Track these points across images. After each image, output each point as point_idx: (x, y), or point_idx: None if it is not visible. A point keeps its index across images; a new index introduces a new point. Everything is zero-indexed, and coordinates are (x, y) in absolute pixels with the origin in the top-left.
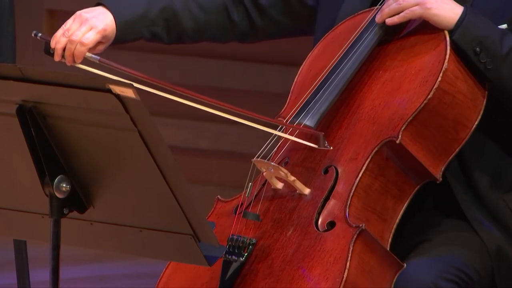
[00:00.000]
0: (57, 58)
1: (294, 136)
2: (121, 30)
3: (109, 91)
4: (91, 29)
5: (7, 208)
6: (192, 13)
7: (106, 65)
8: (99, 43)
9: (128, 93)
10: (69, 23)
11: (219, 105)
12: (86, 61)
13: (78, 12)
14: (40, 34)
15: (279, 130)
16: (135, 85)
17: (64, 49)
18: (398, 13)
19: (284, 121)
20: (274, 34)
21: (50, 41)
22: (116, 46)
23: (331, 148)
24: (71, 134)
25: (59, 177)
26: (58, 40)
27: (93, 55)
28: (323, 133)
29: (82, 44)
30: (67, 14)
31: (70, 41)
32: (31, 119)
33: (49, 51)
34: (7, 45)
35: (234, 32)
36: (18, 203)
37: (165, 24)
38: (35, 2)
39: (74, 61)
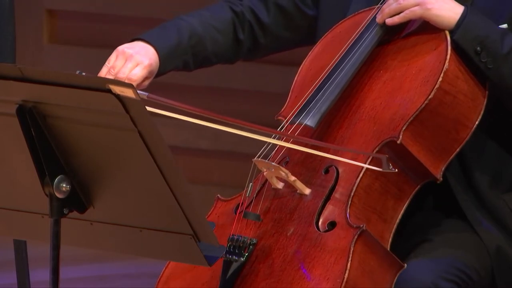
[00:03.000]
0: None
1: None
2: (163, 63)
3: (109, 91)
4: (137, 65)
5: (7, 208)
6: (212, 37)
7: (156, 100)
8: (144, 78)
9: (128, 93)
10: (112, 60)
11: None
12: None
13: (120, 48)
14: (84, 74)
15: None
16: (189, 119)
17: None
18: (399, 13)
19: (285, 120)
20: (275, 49)
21: None
22: (113, 46)
23: (396, 170)
24: (71, 134)
25: (59, 177)
26: None
27: (141, 92)
28: (387, 156)
29: (129, 80)
30: (67, 14)
31: (117, 79)
32: (31, 119)
33: None
34: (7, 45)
35: (240, 51)
36: (18, 203)
37: (192, 51)
38: (35, 2)
39: None
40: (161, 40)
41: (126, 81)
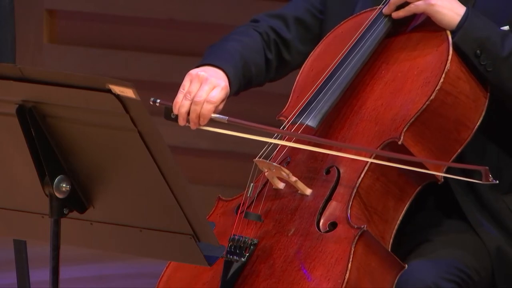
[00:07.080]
0: (182, 122)
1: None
2: (231, 85)
3: (109, 91)
4: (213, 87)
5: (7, 208)
6: (253, 59)
7: (237, 124)
8: (221, 101)
9: (128, 93)
10: (187, 85)
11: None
12: (211, 123)
13: (193, 72)
14: (159, 101)
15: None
16: (275, 141)
17: (188, 113)
18: (404, 7)
19: (286, 120)
20: (298, 65)
21: (170, 107)
22: (113, 46)
23: (497, 182)
24: (71, 134)
25: (59, 177)
26: (182, 104)
27: (220, 115)
28: (487, 167)
29: (209, 102)
30: (67, 14)
31: (195, 103)
32: (31, 119)
33: (170, 116)
34: (7, 45)
35: (270, 71)
36: (18, 203)
37: (243, 73)
38: (35, 2)
39: (199, 123)
40: (224, 63)
41: (205, 103)
